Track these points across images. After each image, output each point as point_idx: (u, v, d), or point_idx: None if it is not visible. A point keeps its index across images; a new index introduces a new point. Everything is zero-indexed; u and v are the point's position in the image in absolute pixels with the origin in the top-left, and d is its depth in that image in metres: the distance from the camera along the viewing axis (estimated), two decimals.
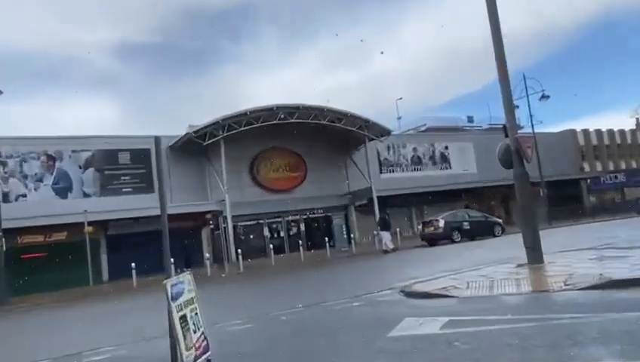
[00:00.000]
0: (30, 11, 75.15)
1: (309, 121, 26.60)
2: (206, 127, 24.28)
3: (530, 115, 30.45)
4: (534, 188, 21.24)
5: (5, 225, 18.94)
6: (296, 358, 5.13)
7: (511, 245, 14.06)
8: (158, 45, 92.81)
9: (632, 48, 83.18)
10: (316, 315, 7.59)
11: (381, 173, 33.96)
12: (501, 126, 11.38)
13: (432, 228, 23.48)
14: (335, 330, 6.28)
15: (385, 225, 22.71)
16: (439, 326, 5.48)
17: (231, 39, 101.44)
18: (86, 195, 24.33)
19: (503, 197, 35.13)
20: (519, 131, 12.55)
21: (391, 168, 34.93)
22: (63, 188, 23.98)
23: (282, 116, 25.64)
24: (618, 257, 9.36)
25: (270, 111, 25.13)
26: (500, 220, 26.07)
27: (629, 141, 46.39)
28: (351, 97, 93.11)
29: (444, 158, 37.40)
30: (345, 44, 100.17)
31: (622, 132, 46.41)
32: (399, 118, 47.98)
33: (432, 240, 23.35)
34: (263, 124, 25.14)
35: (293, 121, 26.11)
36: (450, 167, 37.38)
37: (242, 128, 24.67)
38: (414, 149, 36.43)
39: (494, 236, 23.68)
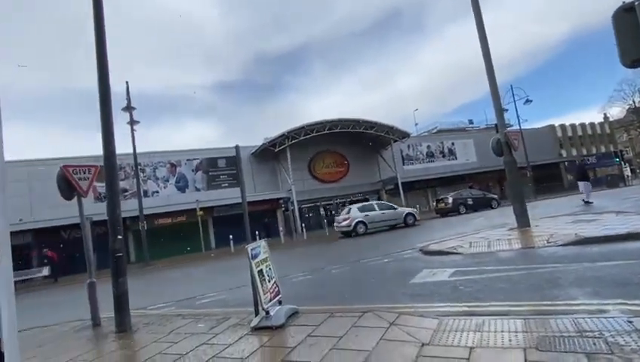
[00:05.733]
0: (151, 63, 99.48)
1: (349, 129, 30.31)
2: (276, 138, 28.48)
3: (518, 116, 33.30)
4: (522, 171, 21.00)
5: (146, 212, 23.45)
6: (340, 297, 5.45)
7: (505, 215, 14.18)
8: (242, 81, 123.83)
9: (598, 60, 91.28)
10: (357, 269, 7.77)
11: (404, 165, 36.69)
12: (494, 125, 11.41)
13: (444, 204, 25.06)
14: (371, 280, 6.39)
15: (583, 175, 17.48)
16: (448, 275, 5.74)
17: (291, 74, 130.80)
18: (197, 190, 29.19)
19: (498, 178, 37.11)
20: (508, 128, 12.03)
21: (411, 161, 37.87)
22: (182, 186, 29.20)
23: (329, 127, 29.28)
24: (591, 220, 9.31)
25: (321, 124, 29.07)
26: (496, 196, 27.22)
27: (598, 131, 51.79)
28: (380, 110, 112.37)
29: (451, 152, 40.42)
30: (376, 70, 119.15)
31: (592, 125, 51.77)
32: (416, 125, 54.49)
33: (443, 213, 24.83)
34: (316, 133, 29.08)
35: (337, 130, 29.88)
36: (456, 158, 40.42)
37: (302, 138, 28.76)
38: (428, 146, 39.58)
39: (492, 208, 24.38)
